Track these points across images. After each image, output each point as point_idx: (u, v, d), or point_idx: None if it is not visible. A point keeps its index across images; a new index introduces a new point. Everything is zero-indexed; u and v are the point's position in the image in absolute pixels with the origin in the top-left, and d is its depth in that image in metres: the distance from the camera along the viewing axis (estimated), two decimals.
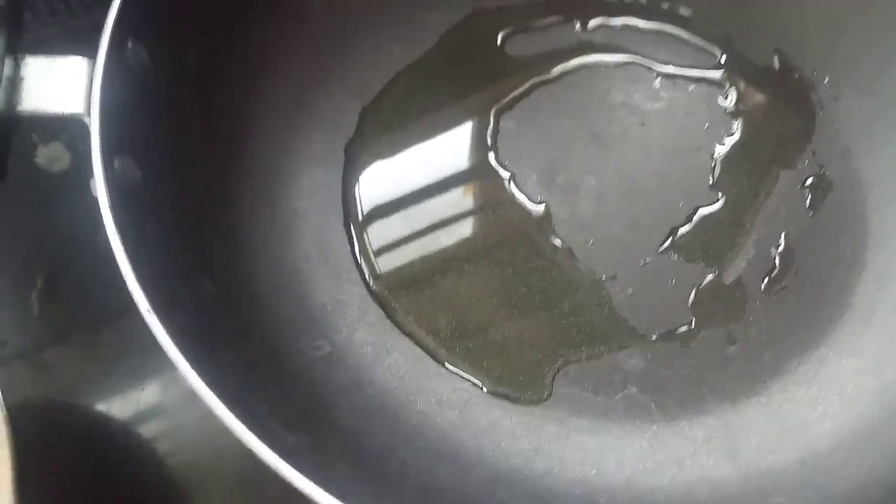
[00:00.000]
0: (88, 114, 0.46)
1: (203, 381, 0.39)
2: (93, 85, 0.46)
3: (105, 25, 0.48)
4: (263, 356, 0.51)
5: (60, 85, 0.47)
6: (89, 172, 0.71)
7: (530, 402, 0.56)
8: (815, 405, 0.56)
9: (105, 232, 0.69)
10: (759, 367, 0.58)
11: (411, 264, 0.61)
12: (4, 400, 0.48)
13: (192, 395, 0.60)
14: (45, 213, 0.71)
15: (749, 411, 0.56)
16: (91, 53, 0.48)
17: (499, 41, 0.69)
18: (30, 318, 0.68)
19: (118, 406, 0.65)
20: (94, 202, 0.71)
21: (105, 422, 0.65)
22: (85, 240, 0.70)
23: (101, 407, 0.65)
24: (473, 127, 0.66)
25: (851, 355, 0.58)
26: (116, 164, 0.46)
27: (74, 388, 0.65)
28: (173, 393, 0.65)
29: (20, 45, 0.47)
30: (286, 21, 0.64)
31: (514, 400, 0.56)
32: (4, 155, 0.46)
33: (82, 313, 0.69)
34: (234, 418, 0.39)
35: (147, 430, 0.64)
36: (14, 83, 0.46)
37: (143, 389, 0.65)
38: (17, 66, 0.46)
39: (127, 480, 0.63)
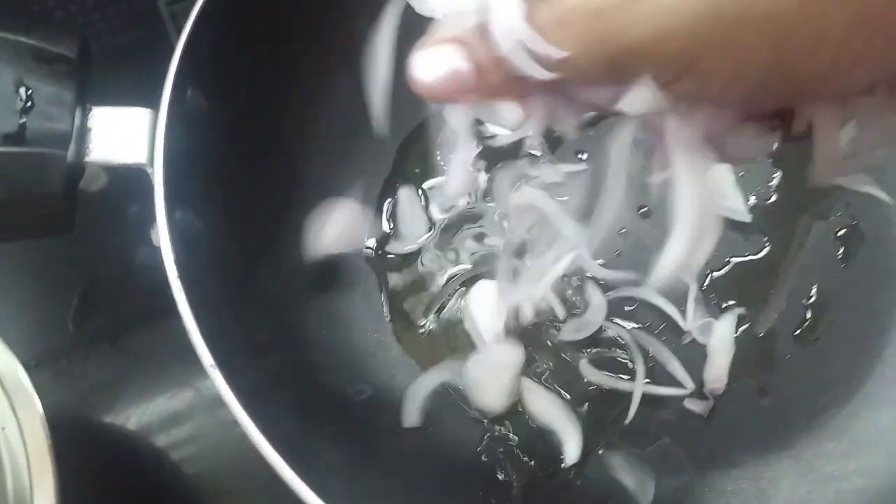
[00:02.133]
0: (151, 164, 0.47)
1: (265, 437, 0.40)
2: (156, 136, 0.47)
3: (167, 76, 0.50)
4: (311, 402, 0.52)
5: (125, 135, 0.48)
6: (127, 194, 0.73)
7: None
8: (847, 460, 0.57)
9: (139, 254, 0.72)
10: (790, 420, 0.59)
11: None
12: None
13: (213, 406, 0.64)
14: (81, 233, 0.72)
15: (779, 465, 0.57)
16: (152, 103, 0.49)
17: None
18: (66, 335, 0.71)
19: (144, 417, 0.67)
20: (132, 224, 0.73)
21: (134, 435, 0.67)
22: (118, 259, 0.73)
23: (133, 418, 0.67)
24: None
25: (884, 409, 0.59)
26: (178, 214, 0.47)
27: (106, 403, 0.68)
28: (196, 403, 0.67)
29: (88, 97, 0.48)
30: (332, 55, 0.64)
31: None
32: (73, 206, 0.47)
33: (114, 329, 0.71)
34: (293, 473, 0.40)
35: (173, 440, 0.67)
36: (82, 133, 0.47)
37: (168, 401, 0.67)
38: (84, 117, 0.47)
39: (154, 491, 0.66)
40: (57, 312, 0.72)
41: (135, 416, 0.68)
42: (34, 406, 0.50)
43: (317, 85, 0.64)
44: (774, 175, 0.68)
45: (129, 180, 0.74)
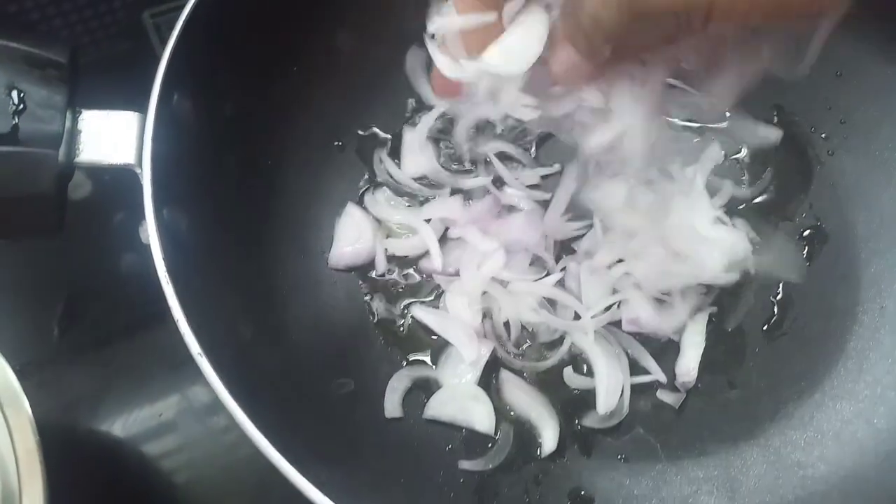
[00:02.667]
0: (140, 165, 0.49)
1: (250, 419, 0.42)
2: (144, 138, 0.49)
3: (154, 81, 0.52)
4: (296, 394, 0.54)
5: (114, 137, 0.50)
6: (112, 202, 0.75)
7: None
8: (812, 448, 0.59)
9: (125, 261, 0.73)
10: (758, 411, 0.61)
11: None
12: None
13: (202, 414, 0.65)
14: (66, 239, 0.73)
15: (748, 453, 0.59)
16: (140, 107, 0.51)
17: None
18: (51, 342, 0.71)
19: (132, 424, 0.67)
20: (117, 231, 0.74)
21: (120, 440, 0.68)
22: (104, 266, 0.74)
23: (118, 425, 0.67)
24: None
25: (846, 400, 0.61)
26: (165, 213, 0.49)
27: (91, 407, 0.68)
28: (185, 412, 0.67)
29: (78, 101, 0.50)
30: (316, 61, 0.67)
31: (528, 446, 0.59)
32: (63, 206, 0.49)
33: (99, 336, 0.72)
34: (279, 455, 0.42)
35: (160, 448, 0.67)
36: (72, 135, 0.49)
37: (156, 410, 0.67)
38: (74, 120, 0.49)
39: (141, 496, 0.66)
40: (42, 319, 0.72)
41: (120, 423, 0.68)
42: (23, 406, 0.51)
43: (297, 91, 0.66)
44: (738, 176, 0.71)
45: (114, 188, 0.76)
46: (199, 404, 0.68)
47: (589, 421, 0.60)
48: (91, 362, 0.71)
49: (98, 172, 0.76)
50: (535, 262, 0.64)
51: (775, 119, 0.73)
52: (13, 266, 0.74)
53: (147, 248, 0.48)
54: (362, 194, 0.68)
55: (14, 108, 0.46)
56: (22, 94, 0.46)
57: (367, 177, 0.69)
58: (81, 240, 0.73)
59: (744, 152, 0.72)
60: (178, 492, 0.66)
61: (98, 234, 0.75)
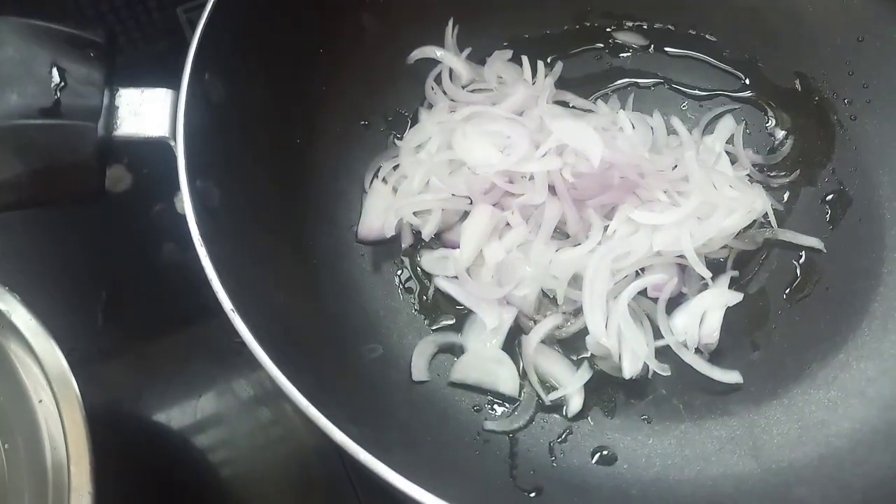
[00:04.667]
0: (174, 138, 0.52)
1: (283, 374, 0.44)
2: (177, 113, 0.52)
3: (186, 61, 0.54)
4: (328, 357, 0.56)
5: (150, 112, 0.52)
6: (151, 193, 0.77)
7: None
8: (835, 406, 0.59)
9: (165, 251, 0.75)
10: (782, 371, 0.61)
11: None
12: None
13: (248, 407, 0.66)
14: (108, 231, 0.77)
15: (771, 412, 0.60)
16: (174, 85, 0.54)
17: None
18: (95, 330, 0.74)
19: (176, 415, 0.69)
20: (156, 222, 0.77)
21: (163, 430, 0.70)
22: (145, 256, 0.76)
23: (160, 416, 0.69)
24: None
25: (870, 360, 0.61)
26: (199, 183, 0.51)
27: (134, 394, 0.70)
28: (229, 403, 0.69)
29: (115, 80, 0.53)
30: (342, 40, 0.69)
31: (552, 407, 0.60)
32: (103, 174, 0.51)
33: (141, 325, 0.74)
34: (314, 409, 0.44)
35: (203, 440, 0.69)
36: (110, 111, 0.52)
37: (199, 399, 0.69)
38: (112, 97, 0.52)
39: (183, 487, 0.68)
40: (87, 307, 0.75)
41: (163, 413, 0.70)
42: (69, 383, 0.54)
43: (324, 72, 0.68)
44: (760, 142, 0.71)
45: (152, 181, 0.78)
46: (244, 397, 0.70)
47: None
48: (134, 353, 0.73)
49: (137, 165, 0.80)
50: (558, 231, 0.65)
51: (797, 85, 0.74)
52: (56, 257, 0.77)
53: (192, 239, 0.49)
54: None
55: (56, 84, 0.49)
56: (63, 72, 0.49)
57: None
58: (122, 231, 0.76)
59: (765, 119, 0.72)
60: (225, 482, 0.68)
61: (138, 225, 0.77)
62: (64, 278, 0.77)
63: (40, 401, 0.54)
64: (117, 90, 0.52)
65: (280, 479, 0.67)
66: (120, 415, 0.70)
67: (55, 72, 0.49)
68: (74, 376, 0.54)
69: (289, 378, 0.44)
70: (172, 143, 0.52)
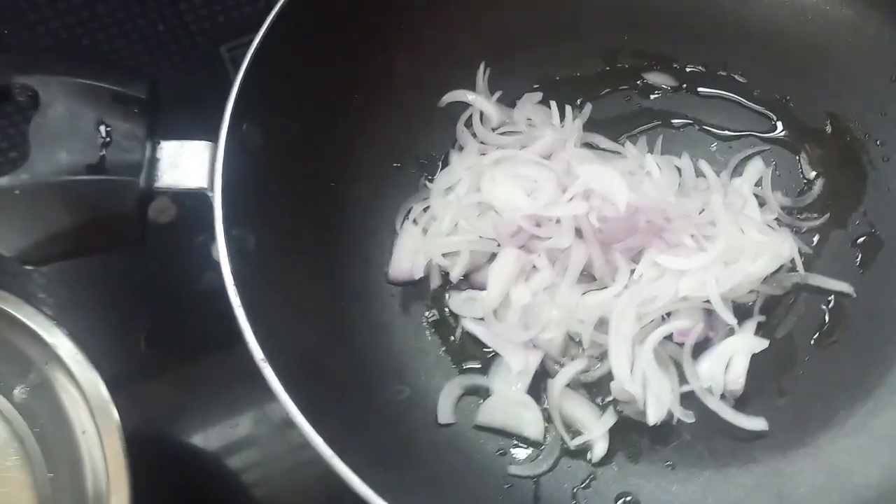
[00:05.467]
0: (212, 189, 0.54)
1: (309, 423, 0.46)
2: (215, 165, 0.54)
3: (224, 113, 0.57)
4: (355, 400, 0.58)
5: (189, 165, 0.55)
6: (194, 225, 0.80)
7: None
8: (864, 455, 0.59)
9: (205, 279, 0.78)
10: (809, 418, 0.61)
11: None
12: None
13: (281, 429, 0.69)
14: (154, 260, 0.80)
15: (798, 460, 0.59)
16: (213, 137, 0.56)
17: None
18: (138, 355, 0.77)
19: (211, 437, 0.72)
20: (199, 252, 0.80)
21: (198, 451, 0.72)
22: (188, 284, 0.79)
23: (196, 437, 0.72)
24: None
25: None
26: (234, 232, 0.53)
27: (174, 418, 0.73)
28: (264, 426, 0.71)
29: (157, 132, 0.55)
30: (376, 84, 0.71)
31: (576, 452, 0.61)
32: (144, 224, 0.54)
33: (182, 352, 0.77)
34: (337, 458, 0.45)
35: (236, 461, 0.71)
36: (152, 163, 0.54)
37: (233, 421, 0.72)
38: (154, 149, 0.55)
39: None
40: (130, 334, 0.78)
41: (200, 434, 0.72)
42: (111, 415, 0.56)
43: (358, 115, 0.70)
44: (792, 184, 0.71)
45: (196, 212, 0.81)
46: (278, 419, 0.72)
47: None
48: (174, 376, 0.76)
49: (181, 197, 0.82)
50: (585, 274, 0.65)
51: (828, 126, 0.73)
52: (104, 285, 0.80)
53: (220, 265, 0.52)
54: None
55: (102, 141, 0.52)
56: (108, 129, 0.52)
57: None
58: (166, 260, 0.79)
59: (795, 161, 0.72)
60: (254, 502, 0.70)
61: (181, 255, 0.80)
62: (110, 306, 0.81)
63: (84, 432, 0.57)
64: (159, 142, 0.55)
65: (310, 501, 0.69)
66: (158, 436, 0.73)
67: (101, 129, 0.52)
68: (117, 400, 0.56)
69: (314, 426, 0.46)
70: (210, 194, 0.54)
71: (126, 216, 0.52)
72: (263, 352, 0.48)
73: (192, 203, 0.81)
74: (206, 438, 0.72)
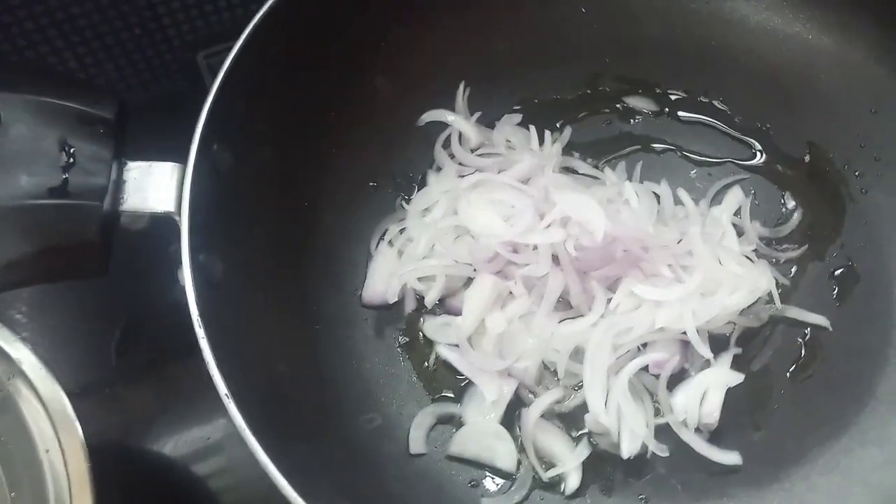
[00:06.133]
0: (179, 213, 0.53)
1: (274, 464, 0.45)
2: (183, 189, 0.53)
3: (194, 134, 0.55)
4: (325, 430, 0.57)
5: (156, 187, 0.53)
6: (167, 232, 0.78)
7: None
8: (836, 493, 0.59)
9: (177, 288, 0.76)
10: (783, 454, 0.61)
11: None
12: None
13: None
14: (124, 269, 0.77)
15: (771, 497, 0.59)
16: (182, 158, 0.54)
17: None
18: (108, 366, 0.75)
19: (178, 445, 0.70)
20: (171, 260, 0.78)
21: (170, 460, 0.70)
22: (158, 294, 0.77)
23: (168, 446, 0.70)
24: None
25: (875, 445, 0.60)
26: (202, 258, 0.52)
27: (144, 428, 0.71)
28: (232, 434, 0.69)
29: (124, 151, 0.54)
30: (354, 103, 0.70)
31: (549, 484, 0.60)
32: (108, 251, 0.52)
33: (153, 362, 0.75)
34: (297, 496, 0.44)
35: (208, 468, 0.69)
36: (118, 185, 0.53)
37: (205, 431, 0.70)
38: (120, 171, 0.53)
39: None
40: (100, 344, 0.76)
41: (170, 443, 0.71)
42: (76, 432, 0.54)
43: (334, 134, 0.69)
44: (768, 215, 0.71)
45: (169, 220, 0.80)
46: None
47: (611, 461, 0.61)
48: (144, 386, 0.74)
49: (126, 215, 0.80)
50: (561, 301, 0.65)
51: (808, 156, 0.73)
52: (74, 295, 0.78)
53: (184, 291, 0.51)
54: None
55: (65, 163, 0.50)
56: (72, 150, 0.50)
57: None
58: (138, 269, 0.75)
59: (774, 190, 0.72)
60: None
61: (153, 263, 0.77)
62: (79, 316, 0.79)
63: (47, 450, 0.55)
64: (125, 163, 0.53)
65: None
66: (127, 445, 0.71)
67: (65, 150, 0.50)
68: (86, 409, 0.54)
69: (278, 467, 0.45)
70: (177, 219, 0.53)
71: (88, 243, 0.50)
72: (228, 386, 0.47)
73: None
74: (174, 446, 0.71)
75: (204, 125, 0.55)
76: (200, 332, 0.48)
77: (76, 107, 0.51)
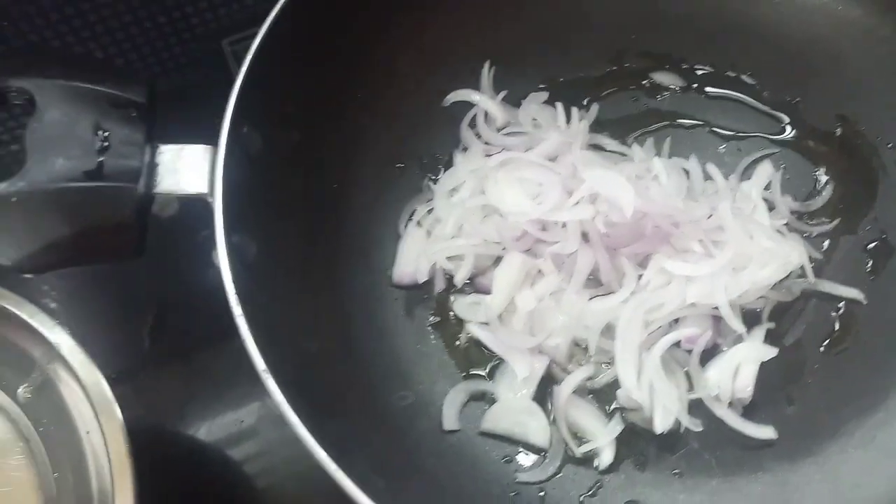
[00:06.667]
0: (212, 194, 0.53)
1: (313, 437, 0.45)
2: (216, 169, 0.53)
3: (225, 116, 0.55)
4: (359, 407, 0.57)
5: (189, 169, 0.54)
6: (197, 219, 0.79)
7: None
8: (872, 467, 0.58)
9: (209, 274, 0.77)
10: (817, 427, 0.60)
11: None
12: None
13: (282, 420, 0.68)
14: (156, 255, 0.78)
15: (805, 470, 0.59)
16: (212, 137, 0.55)
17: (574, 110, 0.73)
18: (141, 351, 0.76)
19: (213, 429, 0.71)
20: (201, 246, 0.79)
21: (204, 444, 0.72)
22: (191, 279, 0.78)
23: (202, 430, 0.71)
24: None
25: None
26: (235, 238, 0.52)
27: (178, 412, 0.73)
28: (265, 418, 0.71)
29: (155, 136, 0.54)
30: (379, 84, 0.70)
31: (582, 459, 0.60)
32: (144, 232, 0.53)
33: (185, 346, 0.76)
34: (337, 469, 0.45)
35: (242, 453, 0.70)
36: (151, 168, 0.53)
37: (236, 413, 0.71)
38: (153, 154, 0.54)
39: (223, 498, 0.70)
40: (134, 330, 0.77)
41: (204, 428, 0.72)
42: (115, 414, 0.55)
43: (361, 116, 0.69)
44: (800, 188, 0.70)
45: (199, 207, 0.81)
46: (278, 411, 0.71)
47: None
48: (178, 371, 0.75)
49: (160, 197, 0.81)
50: (591, 279, 0.64)
51: (839, 129, 0.72)
52: (106, 281, 0.79)
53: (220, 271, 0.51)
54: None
55: (100, 146, 0.50)
56: (106, 134, 0.51)
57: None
58: (169, 256, 0.77)
59: (805, 164, 0.71)
60: (259, 494, 0.70)
61: (185, 249, 0.79)
62: (112, 302, 0.80)
63: (88, 432, 0.57)
64: (157, 147, 0.54)
65: (311, 491, 0.68)
66: (161, 429, 0.73)
67: (99, 134, 0.50)
68: (120, 394, 0.56)
69: (317, 439, 0.45)
70: (210, 200, 0.53)
71: (124, 224, 0.50)
72: (265, 362, 0.47)
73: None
74: (208, 431, 0.71)
75: (234, 108, 0.55)
76: (238, 310, 0.49)
77: (109, 91, 0.52)
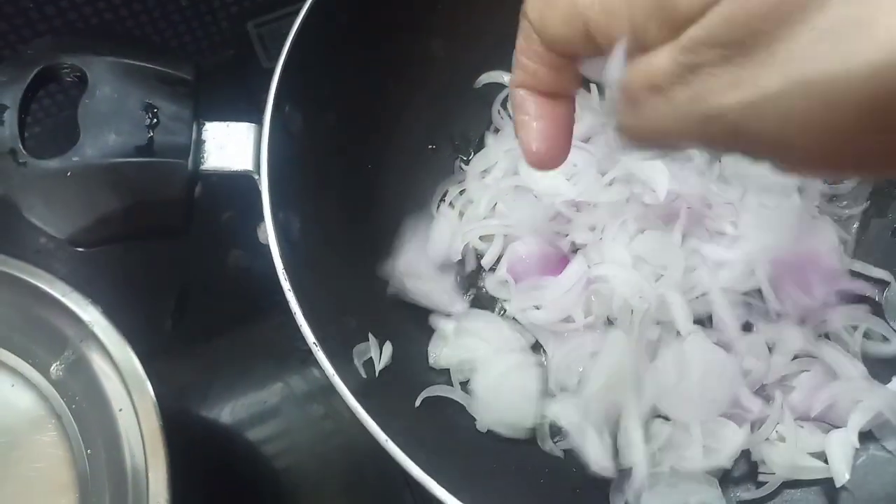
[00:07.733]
0: (258, 172, 0.54)
1: (359, 403, 0.46)
2: (261, 147, 0.54)
3: (268, 95, 0.56)
4: (397, 384, 0.58)
5: (235, 147, 0.55)
6: (220, 202, 0.80)
7: None
8: None
9: (231, 256, 0.78)
10: None
11: None
12: None
13: (303, 402, 0.69)
14: (179, 239, 0.79)
15: None
16: (255, 118, 0.56)
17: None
18: (164, 333, 0.77)
19: (236, 410, 0.72)
20: (224, 229, 0.79)
21: (227, 425, 0.73)
22: (214, 262, 0.79)
23: (226, 411, 0.72)
24: None
25: None
26: (281, 216, 0.53)
27: (201, 394, 0.74)
28: (287, 399, 0.72)
29: (202, 113, 0.55)
30: (412, 66, 0.71)
31: None
32: (191, 209, 0.54)
33: (208, 328, 0.77)
34: (387, 439, 0.46)
35: (264, 433, 0.72)
36: (198, 146, 0.54)
37: (257, 394, 0.72)
38: (199, 131, 0.54)
39: (246, 478, 0.71)
40: (157, 311, 0.78)
41: (227, 409, 0.73)
42: (147, 391, 0.56)
43: (394, 98, 0.70)
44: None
45: (222, 190, 0.81)
46: (299, 392, 0.73)
47: None
48: (201, 352, 0.76)
49: (207, 174, 0.82)
50: None
51: None
52: (130, 263, 0.79)
53: (258, 245, 0.52)
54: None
55: (149, 122, 0.51)
56: (156, 110, 0.51)
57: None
58: (192, 238, 0.77)
59: None
60: (280, 475, 0.71)
61: (208, 232, 0.79)
62: (136, 283, 0.80)
63: (120, 409, 0.57)
64: (203, 124, 0.55)
65: (331, 471, 0.70)
66: (187, 411, 0.74)
67: (148, 110, 0.51)
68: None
69: (366, 410, 0.46)
70: (256, 177, 0.54)
71: (174, 200, 0.51)
72: (314, 335, 0.48)
73: (217, 180, 0.81)
74: (231, 412, 0.72)
75: (277, 86, 0.56)
76: (286, 284, 0.49)
77: (158, 68, 0.53)
